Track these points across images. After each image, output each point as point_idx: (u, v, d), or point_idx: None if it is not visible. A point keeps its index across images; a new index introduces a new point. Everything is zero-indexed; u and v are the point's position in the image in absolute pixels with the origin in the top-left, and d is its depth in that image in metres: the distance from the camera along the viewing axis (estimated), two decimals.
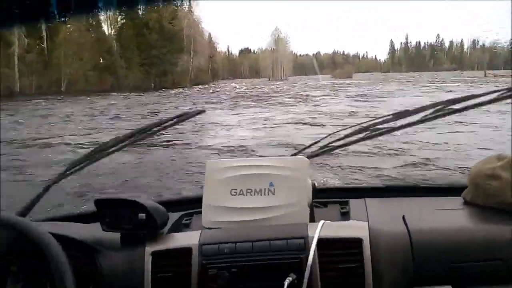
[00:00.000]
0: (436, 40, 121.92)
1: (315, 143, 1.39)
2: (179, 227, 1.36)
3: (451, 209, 1.26)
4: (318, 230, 1.12)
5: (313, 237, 1.10)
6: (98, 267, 1.17)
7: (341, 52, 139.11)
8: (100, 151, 1.27)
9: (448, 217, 1.22)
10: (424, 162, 7.42)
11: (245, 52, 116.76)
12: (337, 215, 1.33)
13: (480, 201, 1.22)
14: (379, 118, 1.26)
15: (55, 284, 0.89)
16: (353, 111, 16.34)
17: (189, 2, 56.17)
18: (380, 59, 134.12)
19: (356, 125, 1.31)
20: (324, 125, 12.67)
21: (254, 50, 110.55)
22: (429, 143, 9.16)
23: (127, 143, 1.27)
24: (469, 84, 34.60)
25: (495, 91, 1.15)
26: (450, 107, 1.18)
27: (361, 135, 1.28)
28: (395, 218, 1.20)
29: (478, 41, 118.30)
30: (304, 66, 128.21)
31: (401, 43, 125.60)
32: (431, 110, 1.20)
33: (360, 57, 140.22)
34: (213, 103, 24.49)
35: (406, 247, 1.10)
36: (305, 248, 1.10)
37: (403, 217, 1.19)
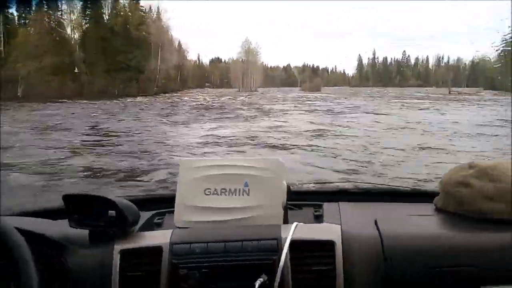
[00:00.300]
0: (403, 57, 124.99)
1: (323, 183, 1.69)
2: (150, 226, 1.30)
3: (423, 215, 1.26)
4: (291, 232, 1.11)
5: (286, 239, 1.09)
6: (65, 265, 1.12)
7: (311, 66, 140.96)
8: None
9: (419, 223, 1.22)
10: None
11: (216, 61, 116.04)
12: (310, 217, 1.31)
13: (451, 208, 1.23)
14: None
15: (18, 279, 0.87)
16: (320, 129, 14.87)
17: (158, 9, 54.97)
18: (348, 74, 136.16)
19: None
20: (288, 148, 10.80)
21: (225, 60, 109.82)
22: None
23: None
24: (436, 101, 34.62)
25: None
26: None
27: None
28: (368, 222, 1.20)
29: (442, 58, 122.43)
30: (275, 78, 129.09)
31: (368, 58, 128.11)
32: None
33: (329, 71, 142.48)
34: (166, 115, 22.33)
35: (378, 251, 1.10)
36: (278, 250, 1.09)
37: (376, 221, 1.19)
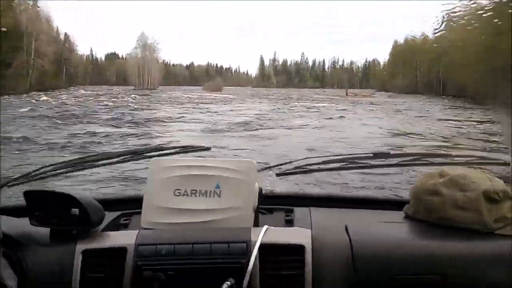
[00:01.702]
0: (301, 59, 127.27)
1: (289, 162, 1.38)
2: (116, 226, 1.26)
3: (393, 222, 1.25)
4: (261, 235, 1.09)
5: (255, 242, 1.07)
6: (23, 264, 1.08)
7: (215, 65, 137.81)
8: (83, 163, 1.21)
9: (389, 230, 1.21)
10: None
11: (113, 57, 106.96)
12: (281, 222, 1.29)
13: (421, 216, 1.23)
14: (359, 154, 1.29)
15: None
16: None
17: None
18: (251, 74, 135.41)
19: (336, 155, 1.32)
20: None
21: (123, 56, 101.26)
22: None
23: (114, 161, 1.21)
24: (334, 104, 32.78)
25: (468, 156, 1.27)
26: (427, 159, 1.26)
27: (337, 165, 1.30)
28: (338, 228, 1.19)
29: (337, 61, 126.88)
30: (178, 76, 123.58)
31: (269, 59, 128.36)
32: (409, 158, 1.26)
33: (233, 71, 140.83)
34: None
35: (347, 256, 1.09)
36: (247, 253, 1.06)
37: (346, 227, 1.18)
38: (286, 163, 1.41)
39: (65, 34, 71.88)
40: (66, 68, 65.47)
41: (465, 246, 1.10)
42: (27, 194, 1.14)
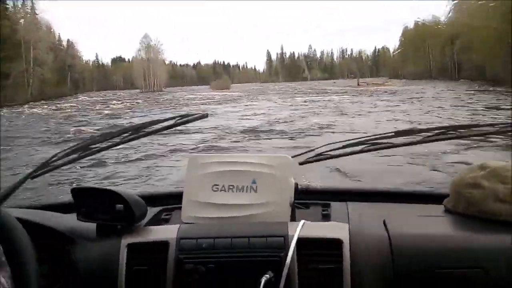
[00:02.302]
0: (309, 51, 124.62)
1: (310, 150, 1.36)
2: (157, 221, 1.28)
3: (432, 216, 1.23)
4: (299, 229, 1.08)
5: (293, 236, 1.07)
6: (72, 257, 1.12)
7: (222, 63, 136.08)
8: (88, 146, 1.20)
9: (429, 224, 1.19)
10: None
11: (119, 61, 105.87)
12: (318, 216, 1.27)
13: (461, 209, 1.20)
14: (380, 134, 1.27)
15: (15, 270, 0.86)
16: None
17: (31, 1, 45.37)
18: (259, 69, 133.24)
19: (357, 138, 1.28)
20: None
21: (129, 59, 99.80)
22: None
23: (119, 141, 1.20)
24: (350, 95, 30.43)
25: (499, 124, 1.23)
26: (453, 132, 1.22)
27: (358, 148, 1.28)
28: (376, 222, 1.17)
29: (346, 50, 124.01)
30: (185, 76, 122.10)
31: (277, 53, 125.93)
32: (434, 132, 1.23)
33: (240, 67, 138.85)
34: None
35: (386, 251, 1.08)
36: (285, 247, 1.06)
37: (384, 222, 1.16)
38: (307, 152, 1.35)
39: (68, 40, 70.94)
40: (71, 75, 64.35)
41: (507, 239, 1.06)
42: (74, 191, 1.17)
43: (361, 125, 11.91)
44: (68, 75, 63.19)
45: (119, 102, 33.61)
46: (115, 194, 1.15)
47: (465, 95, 22.00)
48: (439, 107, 17.10)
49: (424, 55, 67.01)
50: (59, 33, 64.58)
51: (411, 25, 76.33)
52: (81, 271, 1.09)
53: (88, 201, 1.17)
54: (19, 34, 40.44)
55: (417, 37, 68.66)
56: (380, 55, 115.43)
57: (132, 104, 31.66)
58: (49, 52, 46.72)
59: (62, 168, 1.21)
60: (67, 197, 1.26)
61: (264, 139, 10.75)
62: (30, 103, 35.58)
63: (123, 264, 1.09)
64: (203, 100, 33.76)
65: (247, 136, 11.19)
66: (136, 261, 1.09)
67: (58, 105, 32.75)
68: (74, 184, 5.70)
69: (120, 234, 1.14)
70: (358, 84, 51.15)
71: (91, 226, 1.17)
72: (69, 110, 26.91)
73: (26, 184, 1.14)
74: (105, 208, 1.15)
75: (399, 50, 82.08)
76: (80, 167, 7.14)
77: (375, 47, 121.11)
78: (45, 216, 1.22)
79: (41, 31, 46.05)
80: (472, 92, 25.39)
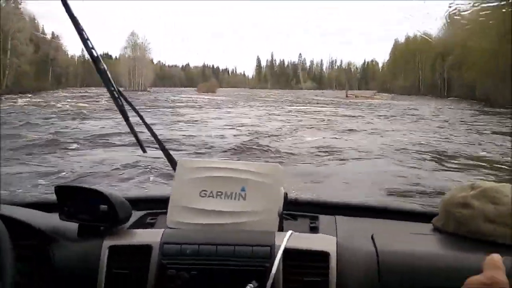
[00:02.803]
0: (299, 60, 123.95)
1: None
2: (142, 225, 1.26)
3: (421, 234, 1.23)
4: (286, 240, 1.07)
5: (279, 246, 1.05)
6: (51, 257, 1.10)
7: (211, 66, 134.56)
8: None
9: (417, 241, 1.18)
10: None
11: (105, 58, 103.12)
12: (305, 228, 1.26)
13: (451, 228, 1.20)
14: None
15: None
16: None
17: None
18: (248, 75, 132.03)
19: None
20: None
21: (116, 57, 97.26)
22: None
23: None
24: (336, 107, 28.97)
25: None
26: None
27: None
28: (364, 237, 1.16)
29: (335, 61, 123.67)
30: (173, 77, 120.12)
31: (267, 60, 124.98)
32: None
33: (229, 72, 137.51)
34: None
35: (373, 266, 1.06)
36: (271, 257, 1.04)
37: (372, 237, 1.15)
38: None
39: (52, 33, 68.50)
40: (53, 69, 61.78)
41: None
42: (58, 189, 1.15)
43: (363, 147, 9.68)
44: (50, 68, 60.62)
45: (91, 100, 31.35)
46: (100, 194, 1.11)
47: (469, 116, 20.45)
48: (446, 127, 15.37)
49: (414, 70, 66.51)
50: (43, 25, 62.23)
51: (402, 39, 76.14)
52: (60, 271, 1.06)
53: (72, 200, 1.14)
54: None
55: (408, 52, 68.24)
56: (369, 67, 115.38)
57: (109, 102, 29.69)
58: (29, 43, 44.18)
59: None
60: (53, 196, 1.21)
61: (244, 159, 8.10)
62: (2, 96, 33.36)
63: (103, 266, 1.06)
64: (182, 103, 31.73)
65: (223, 155, 8.63)
66: (117, 264, 1.06)
67: (31, 100, 30.47)
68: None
69: (102, 236, 1.11)
70: (347, 96, 50.02)
71: (73, 226, 1.14)
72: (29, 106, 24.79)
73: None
74: (88, 208, 1.12)
75: (387, 64, 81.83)
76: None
77: (365, 60, 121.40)
78: (28, 214, 1.18)
79: (22, 21, 43.54)
80: (474, 112, 24.11)
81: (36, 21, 59.05)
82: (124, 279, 1.05)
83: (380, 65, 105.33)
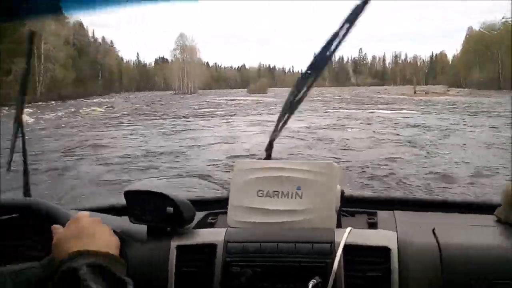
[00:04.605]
0: (359, 55, 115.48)
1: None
2: (204, 225, 1.30)
3: (484, 226, 1.19)
4: (346, 236, 1.07)
5: (339, 243, 1.06)
6: (124, 258, 1.09)
7: (267, 66, 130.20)
8: None
9: (480, 234, 1.15)
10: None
11: (161, 61, 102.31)
12: (364, 225, 1.24)
13: None
14: None
15: None
16: None
17: None
18: None
19: None
20: None
21: (172, 60, 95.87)
22: None
23: None
24: (407, 109, 22.41)
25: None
26: None
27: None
28: (425, 231, 1.14)
29: (399, 55, 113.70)
30: (228, 79, 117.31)
31: None
32: None
33: (286, 71, 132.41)
34: None
35: (435, 260, 1.05)
36: (331, 253, 1.05)
37: (433, 230, 1.13)
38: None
39: (103, 38, 67.52)
40: (103, 74, 60.46)
41: None
42: (127, 194, 1.19)
43: None
44: (99, 74, 59.22)
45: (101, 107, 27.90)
46: (165, 197, 1.14)
47: None
48: None
49: (492, 62, 57.06)
50: (93, 30, 61.04)
51: (476, 27, 66.35)
52: (131, 272, 1.04)
53: (140, 203, 1.17)
54: (26, 26, 35.89)
55: (484, 41, 58.83)
56: (437, 60, 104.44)
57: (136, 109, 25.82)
58: (63, 48, 41.78)
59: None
60: (120, 200, 1.27)
61: None
62: (35, 103, 30.76)
63: (172, 265, 1.09)
64: (221, 108, 27.05)
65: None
66: (185, 263, 1.09)
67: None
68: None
69: (169, 236, 1.15)
70: (415, 92, 42.67)
71: (142, 228, 1.18)
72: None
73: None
74: (155, 210, 1.15)
75: (460, 56, 72.17)
76: None
77: (432, 52, 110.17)
78: (102, 218, 1.18)
79: (56, 25, 41.04)
80: None
81: (85, 27, 57.85)
82: (192, 277, 1.08)
83: (450, 57, 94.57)
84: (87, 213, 0.88)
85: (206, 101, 34.77)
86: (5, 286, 0.83)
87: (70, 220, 0.84)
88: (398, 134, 12.07)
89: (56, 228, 0.83)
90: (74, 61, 47.13)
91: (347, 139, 11.14)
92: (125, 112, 22.50)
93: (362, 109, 22.13)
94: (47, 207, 1.13)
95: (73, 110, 24.70)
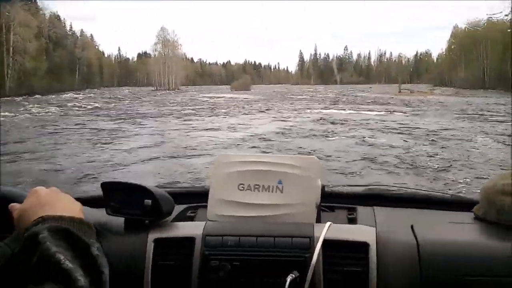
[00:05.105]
0: (344, 53, 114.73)
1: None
2: (183, 218, 1.28)
3: (462, 223, 1.20)
4: (325, 231, 1.07)
5: (318, 238, 1.06)
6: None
7: (252, 62, 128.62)
8: None
9: (458, 231, 1.16)
10: None
11: (144, 56, 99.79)
12: (344, 220, 1.25)
13: (492, 217, 1.17)
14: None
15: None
16: None
17: None
18: (291, 71, 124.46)
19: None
20: None
21: (156, 55, 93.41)
22: None
23: None
24: (394, 109, 21.10)
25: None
26: None
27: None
28: (404, 227, 1.15)
29: (384, 53, 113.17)
30: (214, 75, 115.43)
31: (310, 54, 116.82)
32: None
33: (272, 68, 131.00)
34: None
35: (413, 256, 1.05)
36: (310, 248, 1.05)
37: (412, 227, 1.14)
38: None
39: (81, 31, 64.99)
40: (80, 68, 58.07)
41: None
42: (104, 185, 1.18)
43: None
44: (77, 68, 56.88)
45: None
46: (143, 189, 1.14)
47: None
48: None
49: (477, 60, 56.64)
50: (70, 23, 58.66)
51: (462, 25, 65.90)
52: (109, 264, 0.99)
53: (117, 195, 1.16)
54: None
55: (470, 39, 58.34)
56: (422, 59, 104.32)
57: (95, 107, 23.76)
58: (33, 39, 39.28)
59: None
60: (96, 192, 1.26)
61: None
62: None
63: (149, 258, 1.08)
64: (197, 106, 25.37)
65: None
66: (163, 256, 1.08)
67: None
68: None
69: (147, 229, 1.13)
70: (399, 91, 41.66)
71: (119, 220, 1.17)
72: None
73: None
74: (133, 203, 1.14)
75: (445, 54, 71.75)
76: None
77: (417, 51, 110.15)
78: None
79: (25, 15, 38.44)
80: None
81: (62, 20, 55.42)
82: (169, 271, 1.07)
83: (435, 56, 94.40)
84: (43, 187, 0.83)
85: (176, 100, 32.74)
86: None
87: (28, 193, 0.80)
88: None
89: (14, 205, 0.80)
90: (47, 54, 44.77)
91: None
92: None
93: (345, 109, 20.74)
94: (7, 192, 1.04)
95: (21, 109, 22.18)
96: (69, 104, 25.67)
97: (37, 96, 32.84)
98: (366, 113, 18.41)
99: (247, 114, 19.01)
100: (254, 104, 26.58)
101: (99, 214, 1.17)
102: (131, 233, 1.14)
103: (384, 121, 14.98)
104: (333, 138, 11.07)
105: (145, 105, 26.16)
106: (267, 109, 21.38)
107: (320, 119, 15.54)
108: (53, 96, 33.75)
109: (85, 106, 24.62)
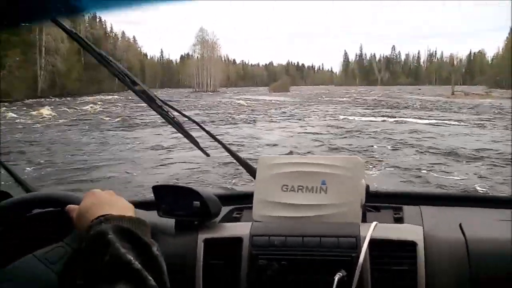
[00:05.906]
0: (392, 52, 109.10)
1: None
2: (230, 219, 1.30)
3: (510, 220, 1.17)
4: (371, 230, 1.07)
5: (365, 237, 1.06)
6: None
7: (295, 63, 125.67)
8: None
9: (506, 228, 1.12)
10: None
11: (186, 58, 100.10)
12: (390, 220, 1.23)
13: None
14: None
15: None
16: None
17: None
18: (336, 72, 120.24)
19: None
20: None
21: (197, 56, 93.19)
22: None
23: None
24: (450, 120, 17.63)
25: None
26: None
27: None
28: (452, 225, 1.14)
29: (435, 53, 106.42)
30: (255, 76, 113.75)
31: (355, 54, 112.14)
32: None
33: (316, 69, 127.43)
34: None
35: (462, 255, 1.05)
36: (357, 247, 1.05)
37: (460, 225, 1.13)
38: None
39: (123, 33, 65.36)
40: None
41: None
42: (155, 188, 1.21)
43: None
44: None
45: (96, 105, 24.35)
46: (192, 191, 1.17)
47: None
48: None
49: None
50: (111, 24, 58.91)
51: None
52: None
53: (168, 198, 1.20)
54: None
55: None
56: (475, 60, 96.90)
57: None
58: (65, 40, 38.89)
59: None
60: (148, 196, 1.27)
61: None
62: (30, 99, 28.14)
63: (200, 258, 1.11)
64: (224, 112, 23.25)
65: None
66: (212, 256, 1.11)
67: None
68: None
69: (196, 230, 1.16)
70: (453, 93, 37.58)
71: (170, 221, 1.20)
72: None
73: None
74: (183, 205, 1.17)
75: (503, 54, 65.51)
76: None
77: (470, 51, 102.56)
78: None
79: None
80: None
81: (103, 21, 55.69)
82: (219, 270, 1.10)
83: (490, 56, 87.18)
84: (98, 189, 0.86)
85: (204, 102, 30.75)
86: (38, 267, 0.83)
87: (85, 195, 0.82)
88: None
89: (72, 206, 0.82)
90: (84, 55, 44.67)
91: None
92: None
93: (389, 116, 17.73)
94: (63, 196, 1.03)
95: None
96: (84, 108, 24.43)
97: (68, 98, 32.42)
98: (416, 121, 15.11)
99: (268, 121, 16.34)
100: (283, 107, 24.03)
101: (150, 216, 1.14)
102: (182, 234, 1.16)
103: (443, 135, 11.27)
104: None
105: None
106: (291, 116, 18.53)
107: (350, 132, 12.59)
108: (87, 97, 33.25)
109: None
